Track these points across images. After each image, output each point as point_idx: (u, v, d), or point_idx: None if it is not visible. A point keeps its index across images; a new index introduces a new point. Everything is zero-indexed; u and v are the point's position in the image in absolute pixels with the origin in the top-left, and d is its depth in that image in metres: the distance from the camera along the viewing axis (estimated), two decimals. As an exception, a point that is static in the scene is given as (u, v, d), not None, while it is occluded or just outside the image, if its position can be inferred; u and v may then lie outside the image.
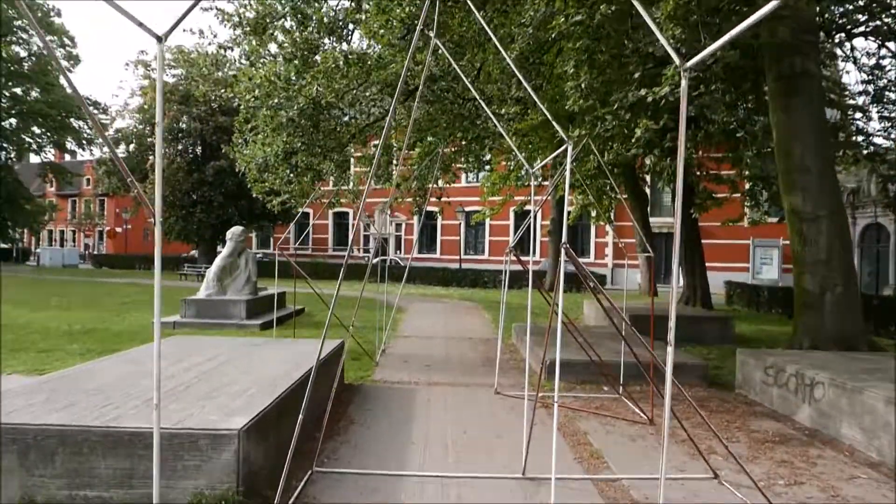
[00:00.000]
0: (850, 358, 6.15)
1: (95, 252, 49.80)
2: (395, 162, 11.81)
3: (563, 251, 3.24)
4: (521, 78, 3.49)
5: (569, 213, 24.04)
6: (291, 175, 9.18)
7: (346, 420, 5.05)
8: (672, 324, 2.20)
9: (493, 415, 5.36)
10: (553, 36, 6.72)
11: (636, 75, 6.41)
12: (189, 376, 4.42)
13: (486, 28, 3.47)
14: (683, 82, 1.60)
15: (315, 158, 8.70)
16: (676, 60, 1.59)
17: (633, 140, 6.87)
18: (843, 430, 4.78)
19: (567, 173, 3.83)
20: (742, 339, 10.73)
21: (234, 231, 11.22)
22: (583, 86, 6.86)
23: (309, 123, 8.14)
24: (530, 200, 18.09)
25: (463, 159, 13.10)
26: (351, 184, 13.86)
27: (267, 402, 3.77)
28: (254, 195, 11.34)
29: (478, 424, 5.03)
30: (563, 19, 6.36)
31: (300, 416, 3.35)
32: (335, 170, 9.33)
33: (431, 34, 4.03)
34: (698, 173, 14.42)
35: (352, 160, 12.20)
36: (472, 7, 3.59)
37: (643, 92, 6.07)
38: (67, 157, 55.00)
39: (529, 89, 3.51)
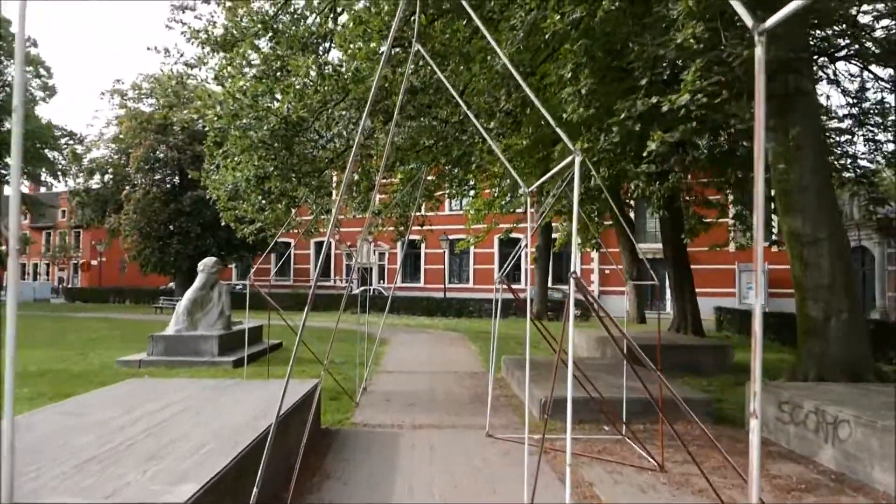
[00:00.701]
0: (867, 391, 5.71)
1: (69, 286, 48.47)
2: (373, 188, 11.34)
3: (571, 281, 2.76)
4: (516, 75, 3.05)
5: (554, 239, 23.71)
6: (264, 202, 8.65)
7: (320, 475, 4.47)
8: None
9: (486, 463, 4.81)
10: (547, 37, 6.24)
11: (643, 82, 5.99)
12: (137, 430, 3.84)
13: (479, 24, 3.04)
14: (759, 49, 1.14)
15: (289, 184, 8.18)
16: (749, 22, 1.14)
17: (644, 155, 6.37)
18: (876, 474, 4.30)
19: (576, 189, 3.43)
20: (739, 369, 10.29)
21: (207, 262, 10.63)
22: (583, 91, 6.39)
23: (281, 146, 7.64)
24: (515, 227, 17.66)
25: (447, 185, 12.67)
26: (332, 212, 13.33)
27: (223, 462, 3.21)
28: (223, 223, 10.75)
29: (469, 476, 4.47)
30: (558, 17, 5.92)
31: (255, 486, 2.79)
32: (311, 196, 8.82)
33: (413, 40, 3.61)
34: (687, 198, 14.17)
35: (333, 186, 11.69)
36: (466, 6, 3.17)
37: (655, 100, 5.63)
38: (43, 189, 54.00)
39: (526, 87, 3.06)
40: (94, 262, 45.78)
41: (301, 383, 5.67)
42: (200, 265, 10.60)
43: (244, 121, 7.38)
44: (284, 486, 3.80)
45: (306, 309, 3.61)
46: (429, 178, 11.25)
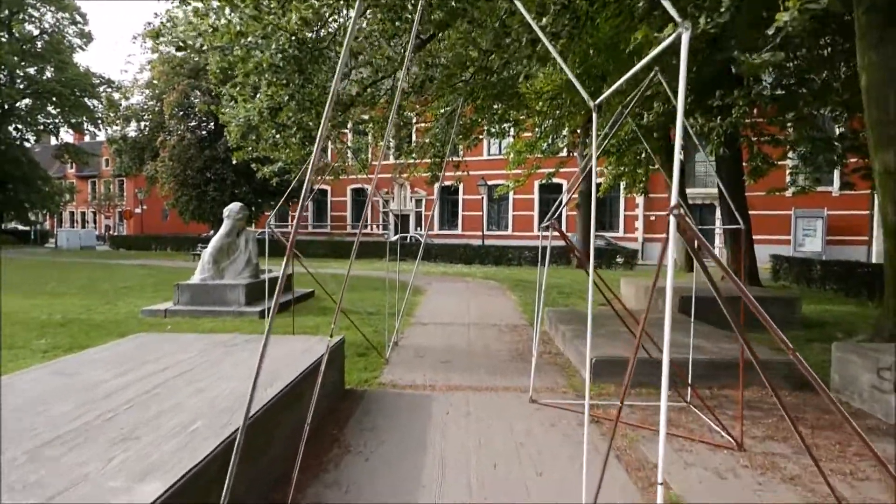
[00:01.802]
0: None
1: (115, 233, 49.56)
2: (405, 126, 10.54)
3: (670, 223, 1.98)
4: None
5: (598, 184, 22.58)
6: (278, 136, 7.93)
7: (339, 447, 3.89)
8: None
9: (530, 436, 4.15)
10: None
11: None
12: (123, 398, 3.29)
13: None
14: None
15: (305, 114, 7.41)
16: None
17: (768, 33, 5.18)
18: None
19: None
20: (809, 323, 9.36)
21: (232, 208, 10.10)
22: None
23: (294, 68, 6.83)
24: (558, 172, 16.53)
25: (485, 122, 11.67)
26: (361, 154, 12.59)
27: (209, 447, 2.61)
28: (234, 162, 10.09)
29: (511, 453, 3.83)
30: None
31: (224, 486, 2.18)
32: (333, 132, 8.06)
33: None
34: (753, 138, 12.88)
35: (361, 122, 10.83)
36: None
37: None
38: (87, 138, 54.73)
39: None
40: (136, 210, 46.50)
41: (321, 341, 5.08)
42: (226, 211, 10.08)
43: (249, 38, 6.60)
44: (295, 463, 3.22)
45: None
46: (466, 116, 10.35)
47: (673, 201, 1.93)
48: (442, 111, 9.72)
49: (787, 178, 25.81)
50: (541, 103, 13.18)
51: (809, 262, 16.79)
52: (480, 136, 12.64)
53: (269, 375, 3.86)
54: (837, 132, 15.09)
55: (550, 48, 2.48)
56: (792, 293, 11.60)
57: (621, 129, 12.70)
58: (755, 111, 12.47)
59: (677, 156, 2.14)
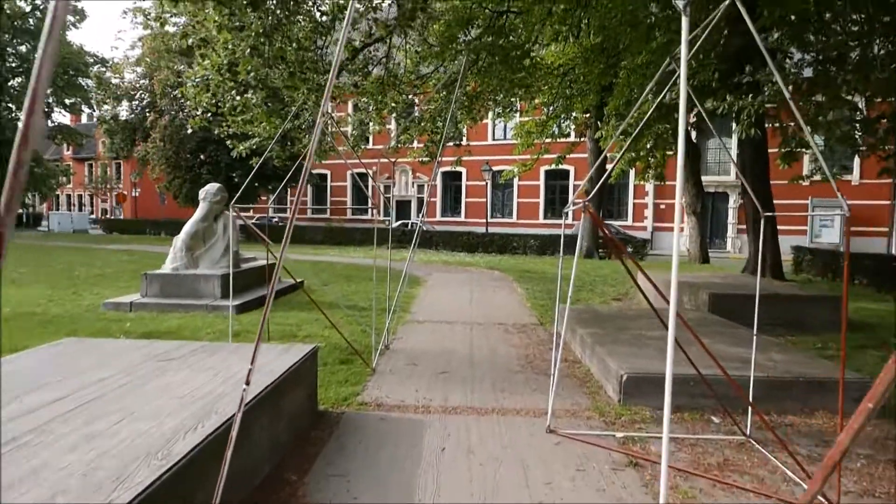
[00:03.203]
0: None
1: (111, 217, 48.63)
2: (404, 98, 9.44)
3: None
4: None
5: (609, 170, 21.49)
6: (238, 98, 6.86)
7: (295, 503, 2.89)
8: None
9: (551, 487, 3.14)
10: None
11: None
12: (11, 432, 2.29)
13: None
14: None
15: (271, 71, 6.34)
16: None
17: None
18: None
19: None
20: (852, 326, 8.31)
21: (208, 189, 9.07)
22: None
23: (258, 16, 5.78)
24: (565, 157, 15.34)
25: (490, 94, 10.54)
26: (353, 131, 11.45)
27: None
28: (233, 153, 9.01)
29: (528, 517, 2.82)
30: None
31: None
32: (311, 97, 6.96)
33: None
34: (782, 121, 11.73)
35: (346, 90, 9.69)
36: None
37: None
38: (84, 119, 53.63)
39: None
40: (132, 194, 45.51)
41: (287, 351, 4.08)
42: (201, 192, 9.06)
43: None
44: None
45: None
46: (469, 86, 9.29)
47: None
48: (441, 80, 8.65)
49: (807, 166, 24.68)
50: (551, 79, 12.09)
51: (836, 254, 15.70)
52: (485, 110, 11.54)
53: (208, 404, 2.85)
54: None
55: None
56: (835, 293, 10.51)
57: (639, 109, 11.61)
58: (790, 88, 11.32)
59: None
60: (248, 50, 5.99)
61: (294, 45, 6.10)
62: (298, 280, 11.51)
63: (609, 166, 18.31)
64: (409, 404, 4.47)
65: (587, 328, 6.23)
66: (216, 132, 8.62)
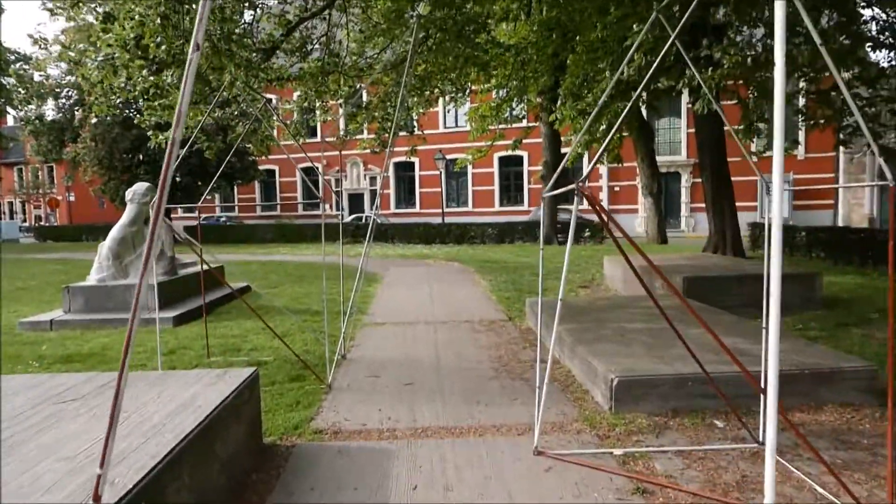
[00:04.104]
0: None
1: (46, 224, 45.96)
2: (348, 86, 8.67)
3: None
4: None
5: (563, 153, 21.09)
6: (151, 78, 6.03)
7: None
8: None
9: (549, 533, 2.58)
10: None
11: None
12: None
13: None
14: None
15: (183, 43, 5.54)
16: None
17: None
18: None
19: None
20: (833, 302, 8.08)
21: (136, 189, 8.17)
22: None
23: None
24: (520, 142, 14.80)
25: (440, 76, 9.86)
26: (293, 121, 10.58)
27: None
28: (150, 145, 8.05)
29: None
30: None
31: None
32: (243, 77, 6.18)
33: None
34: (741, 95, 11.45)
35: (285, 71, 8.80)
36: None
37: None
38: (10, 122, 50.40)
39: None
40: (68, 198, 43.04)
41: (221, 378, 3.39)
42: (128, 193, 8.15)
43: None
44: None
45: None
46: (419, 65, 8.64)
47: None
48: (389, 62, 7.96)
49: (756, 143, 24.94)
50: (504, 58, 11.52)
51: (793, 229, 15.75)
52: (437, 92, 10.85)
53: (119, 453, 2.16)
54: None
55: None
56: (811, 269, 10.32)
57: (595, 88, 11.19)
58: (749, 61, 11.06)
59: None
60: (158, 20, 5.17)
61: (216, 13, 5.32)
62: (242, 285, 10.73)
63: (567, 150, 17.95)
64: (372, 428, 3.84)
65: (563, 324, 5.70)
66: (135, 122, 7.72)
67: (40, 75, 26.88)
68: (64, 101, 26.56)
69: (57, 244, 30.45)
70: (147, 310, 7.55)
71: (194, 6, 5.23)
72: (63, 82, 26.49)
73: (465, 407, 4.21)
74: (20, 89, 25.38)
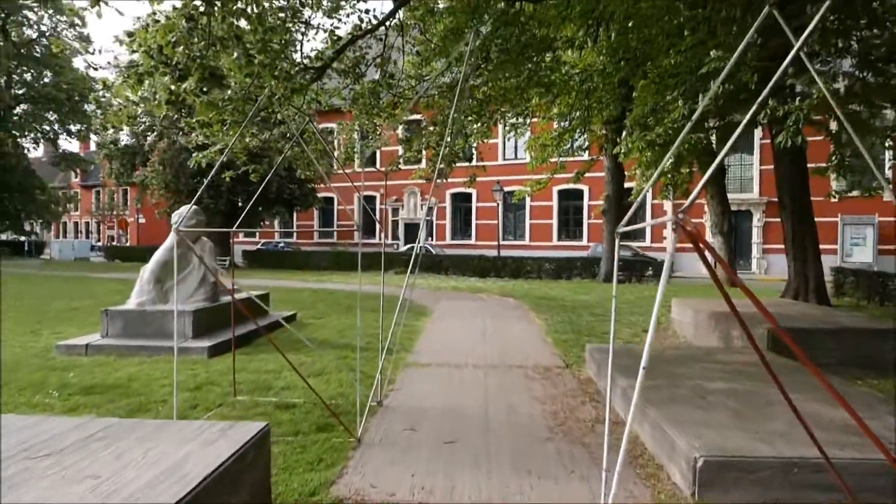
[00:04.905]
0: None
1: (118, 244, 47.96)
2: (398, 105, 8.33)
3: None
4: None
5: (629, 188, 20.20)
6: (170, 84, 5.70)
7: None
8: None
9: None
10: None
11: None
12: None
13: None
14: None
15: (220, 51, 5.16)
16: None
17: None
18: None
19: None
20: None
21: (181, 212, 7.93)
22: None
23: None
24: (582, 175, 14.11)
25: (499, 99, 9.30)
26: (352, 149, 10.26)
27: None
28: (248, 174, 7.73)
29: None
30: None
31: None
32: (284, 91, 5.82)
33: None
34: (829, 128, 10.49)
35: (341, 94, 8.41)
36: None
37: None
38: (94, 147, 53.34)
39: None
40: (138, 220, 44.82)
41: (224, 434, 2.87)
42: (174, 216, 7.97)
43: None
44: None
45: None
46: (476, 88, 8.19)
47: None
48: (446, 79, 7.55)
49: (835, 180, 23.38)
50: (568, 87, 10.95)
51: (885, 276, 14.30)
52: (496, 115, 10.33)
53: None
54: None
55: None
56: (879, 319, 9.16)
57: (665, 118, 10.44)
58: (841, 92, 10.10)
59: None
60: (184, 21, 4.94)
61: (256, 24, 5.03)
62: (289, 313, 10.39)
63: (632, 184, 17.09)
64: (402, 501, 3.23)
65: (629, 378, 4.97)
66: (181, 141, 7.57)
67: (118, 100, 28.20)
68: (138, 126, 27.76)
69: (124, 264, 31.52)
70: (183, 337, 7.25)
71: (223, 6, 4.95)
72: (138, 108, 27.69)
73: (514, 478, 3.55)
74: (98, 113, 26.64)
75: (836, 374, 5.71)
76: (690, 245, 2.04)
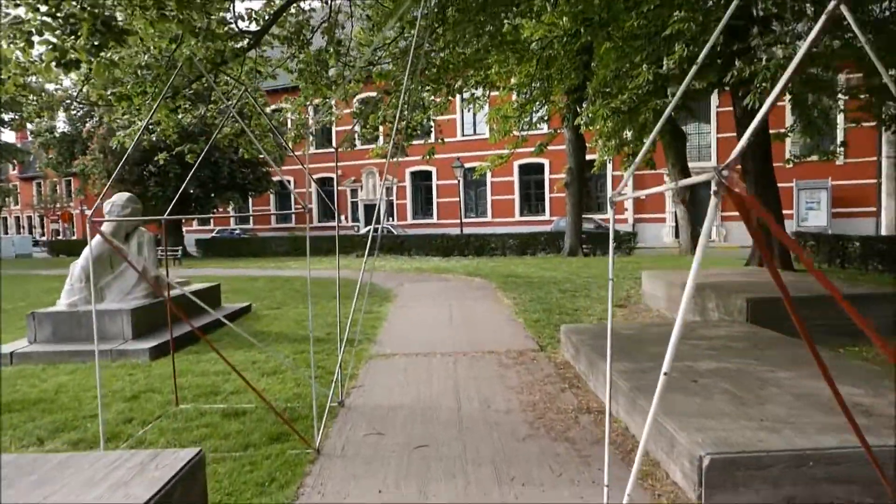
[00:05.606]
0: None
1: (63, 238, 45.82)
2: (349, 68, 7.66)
3: None
4: None
5: (591, 160, 19.93)
6: (68, 40, 5.01)
7: None
8: None
9: None
10: None
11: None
12: None
13: None
14: None
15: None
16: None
17: None
18: None
19: None
20: (922, 326, 6.83)
21: (115, 201, 7.24)
22: None
23: None
24: (545, 147, 13.66)
25: (454, 68, 8.71)
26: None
27: None
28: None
29: None
30: None
31: None
32: (203, 52, 5.15)
33: None
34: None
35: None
36: None
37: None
38: (31, 137, 50.52)
39: None
40: (82, 212, 42.79)
41: (143, 470, 2.34)
42: (106, 205, 7.22)
43: None
44: None
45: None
46: (432, 51, 7.66)
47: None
48: (401, 45, 6.96)
49: (792, 144, 23.62)
50: (532, 49, 10.46)
51: (845, 238, 14.41)
52: (454, 81, 9.74)
53: None
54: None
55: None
56: (873, 283, 9.08)
57: (630, 85, 10.07)
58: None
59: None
60: None
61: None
62: (243, 304, 9.76)
63: (594, 155, 16.81)
64: (368, 527, 2.77)
65: (617, 362, 4.58)
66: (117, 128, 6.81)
67: (53, 85, 26.43)
68: (74, 112, 26.13)
69: (69, 258, 29.94)
70: (122, 339, 6.60)
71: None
72: (73, 93, 26.01)
73: (496, 487, 3.12)
74: (29, 99, 24.85)
75: (820, 343, 5.47)
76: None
